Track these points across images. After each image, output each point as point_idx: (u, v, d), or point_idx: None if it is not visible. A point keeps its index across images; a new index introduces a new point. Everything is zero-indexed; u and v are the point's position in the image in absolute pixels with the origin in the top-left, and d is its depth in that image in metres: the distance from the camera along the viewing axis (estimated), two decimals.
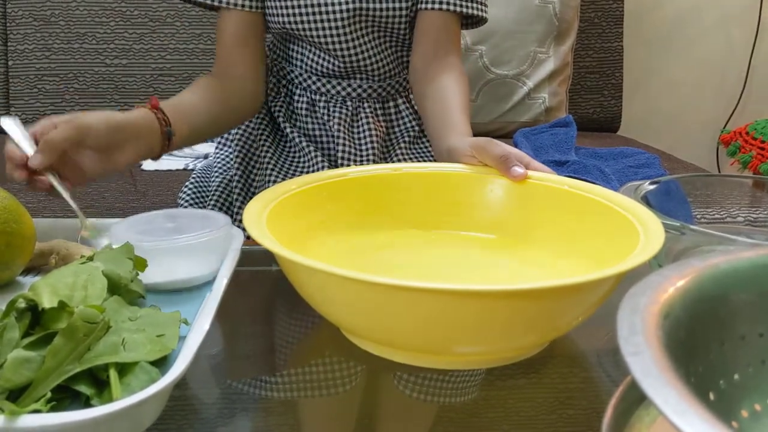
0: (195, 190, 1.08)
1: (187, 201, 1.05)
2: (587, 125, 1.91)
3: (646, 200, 0.67)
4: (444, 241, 0.70)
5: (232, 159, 1.05)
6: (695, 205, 0.77)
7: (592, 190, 0.66)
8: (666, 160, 1.62)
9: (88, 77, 1.77)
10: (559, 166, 1.40)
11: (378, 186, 0.71)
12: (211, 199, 1.04)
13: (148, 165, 1.46)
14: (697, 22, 2.15)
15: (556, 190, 0.68)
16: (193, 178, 1.11)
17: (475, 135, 1.69)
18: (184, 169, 1.44)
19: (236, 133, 1.06)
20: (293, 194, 0.65)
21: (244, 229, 0.58)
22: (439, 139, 0.86)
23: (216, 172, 1.08)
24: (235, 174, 1.03)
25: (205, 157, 1.54)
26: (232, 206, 1.03)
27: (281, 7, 0.95)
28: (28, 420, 0.38)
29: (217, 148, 1.15)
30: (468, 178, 0.72)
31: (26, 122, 1.88)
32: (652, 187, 0.69)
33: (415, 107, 1.07)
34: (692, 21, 2.15)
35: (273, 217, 0.59)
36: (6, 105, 1.78)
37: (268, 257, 0.54)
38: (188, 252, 0.58)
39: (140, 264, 0.55)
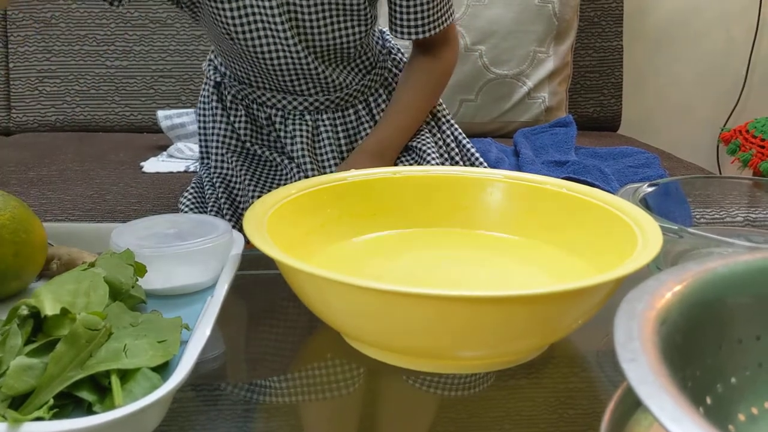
0: (196, 194, 1.08)
1: (188, 206, 1.05)
2: (587, 124, 1.91)
3: (645, 202, 0.67)
4: (443, 243, 0.71)
5: (215, 178, 1.04)
6: (694, 205, 0.77)
7: (590, 193, 0.66)
8: (666, 159, 1.62)
9: (89, 79, 1.77)
10: (559, 166, 1.41)
11: (377, 189, 0.71)
12: (211, 210, 1.04)
13: (149, 167, 1.47)
14: (697, 20, 2.15)
15: (554, 193, 0.68)
16: (195, 182, 1.11)
17: (475, 135, 1.68)
18: (185, 172, 1.44)
19: (216, 156, 1.04)
20: (293, 199, 0.65)
21: (244, 234, 0.58)
22: None
23: (207, 185, 1.07)
24: (221, 196, 1.02)
25: None
26: (222, 210, 1.03)
27: (223, 16, 0.90)
28: (30, 427, 0.38)
29: (201, 163, 1.13)
30: (466, 181, 0.72)
31: (25, 126, 1.87)
32: (651, 189, 0.69)
33: (374, 111, 1.05)
34: (692, 19, 2.15)
35: (273, 221, 0.60)
36: (7, 107, 1.79)
37: (269, 262, 0.54)
38: (189, 259, 0.59)
39: (140, 270, 0.55)
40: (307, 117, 1.00)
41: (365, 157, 0.95)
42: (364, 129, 1.04)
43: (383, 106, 1.06)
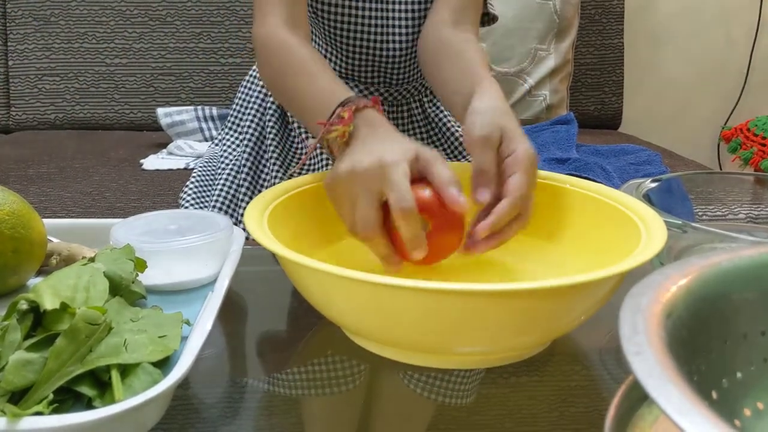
0: (197, 189, 1.07)
1: (188, 201, 1.05)
2: (588, 122, 1.91)
3: (648, 198, 0.67)
4: None
5: (243, 150, 1.04)
6: (697, 202, 0.77)
7: (594, 189, 0.66)
8: (667, 156, 1.62)
9: (89, 77, 1.77)
10: (560, 163, 1.40)
11: None
12: (214, 192, 1.03)
13: (149, 164, 1.46)
14: (698, 18, 2.15)
15: (558, 188, 0.68)
16: (195, 177, 1.11)
17: None
18: (185, 169, 1.44)
19: (249, 125, 1.05)
20: (295, 194, 0.65)
21: (245, 229, 0.58)
22: (458, 91, 0.74)
23: (224, 161, 1.07)
24: (246, 165, 1.02)
25: None
26: (236, 198, 1.02)
27: None
28: (30, 422, 0.38)
29: (223, 132, 1.13)
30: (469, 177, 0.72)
31: (25, 123, 1.85)
32: (653, 184, 0.69)
33: (427, 112, 1.07)
34: (693, 17, 2.15)
35: (275, 217, 0.59)
36: (6, 105, 1.79)
37: (270, 257, 0.54)
38: (189, 254, 0.58)
39: (140, 265, 0.55)
40: None
41: (499, 109, 0.67)
42: (413, 129, 1.05)
43: (436, 110, 1.07)
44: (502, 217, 0.57)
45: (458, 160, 1.06)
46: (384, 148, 0.58)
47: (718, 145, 2.23)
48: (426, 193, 0.58)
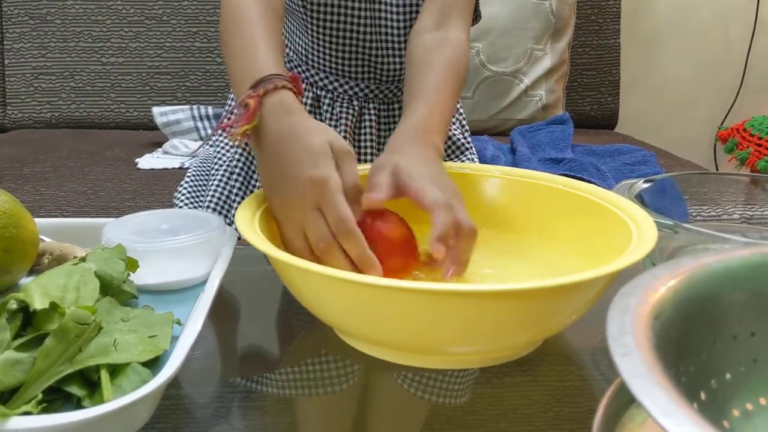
0: (191, 189, 1.07)
1: (182, 201, 1.05)
2: (584, 122, 1.91)
3: (641, 198, 0.66)
4: None
5: (235, 152, 1.04)
6: (691, 202, 0.77)
7: (585, 189, 0.66)
8: (663, 157, 1.62)
9: (84, 75, 1.77)
10: (555, 163, 1.40)
11: None
12: (208, 193, 1.03)
13: (144, 164, 1.46)
14: (695, 18, 2.15)
15: (549, 188, 0.68)
16: (189, 177, 1.11)
17: (473, 133, 1.69)
18: (180, 168, 1.44)
19: None
20: None
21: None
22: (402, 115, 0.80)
23: (217, 162, 1.07)
24: (237, 167, 1.02)
25: None
26: (229, 199, 1.02)
27: None
28: (18, 422, 0.37)
29: (217, 132, 1.12)
30: (463, 177, 0.72)
31: (21, 122, 1.85)
32: (646, 185, 0.69)
33: None
34: (689, 17, 2.15)
35: (266, 217, 0.59)
36: (3, 104, 1.78)
37: (262, 257, 0.54)
38: (181, 254, 0.58)
39: (132, 265, 0.55)
40: (355, 103, 1.01)
41: (409, 139, 0.71)
42: None
43: None
44: (444, 225, 0.58)
45: (451, 159, 1.06)
46: (301, 156, 0.58)
47: (715, 146, 2.23)
48: (366, 222, 0.58)
